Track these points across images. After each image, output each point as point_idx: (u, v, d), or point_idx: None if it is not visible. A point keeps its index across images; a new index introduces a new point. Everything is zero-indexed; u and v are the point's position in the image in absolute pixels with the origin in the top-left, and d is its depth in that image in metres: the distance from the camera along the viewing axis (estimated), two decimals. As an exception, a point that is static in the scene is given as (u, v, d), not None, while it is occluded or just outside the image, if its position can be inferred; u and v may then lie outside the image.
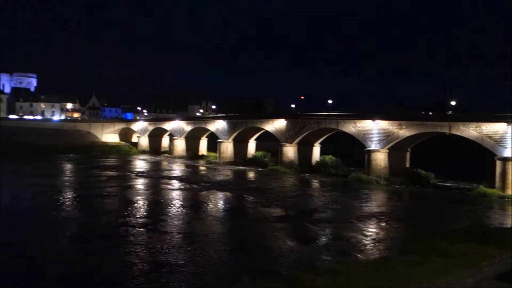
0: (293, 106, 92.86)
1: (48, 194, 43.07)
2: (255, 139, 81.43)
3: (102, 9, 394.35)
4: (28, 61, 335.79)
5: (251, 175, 64.16)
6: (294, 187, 52.17)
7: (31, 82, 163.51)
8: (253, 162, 73.73)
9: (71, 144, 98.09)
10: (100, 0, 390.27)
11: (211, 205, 39.78)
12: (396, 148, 56.76)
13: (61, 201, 39.61)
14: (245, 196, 44.39)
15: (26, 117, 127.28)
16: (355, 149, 67.20)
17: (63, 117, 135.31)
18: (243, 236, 28.37)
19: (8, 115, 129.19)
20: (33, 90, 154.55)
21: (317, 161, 67.65)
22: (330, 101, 78.97)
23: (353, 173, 58.91)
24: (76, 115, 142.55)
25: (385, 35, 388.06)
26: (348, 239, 27.87)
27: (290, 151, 67.63)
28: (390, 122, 56.30)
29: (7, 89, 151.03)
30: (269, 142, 79.28)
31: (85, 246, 25.42)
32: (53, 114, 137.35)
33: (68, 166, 72.27)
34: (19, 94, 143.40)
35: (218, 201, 42.58)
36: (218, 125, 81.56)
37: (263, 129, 74.78)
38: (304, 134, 66.24)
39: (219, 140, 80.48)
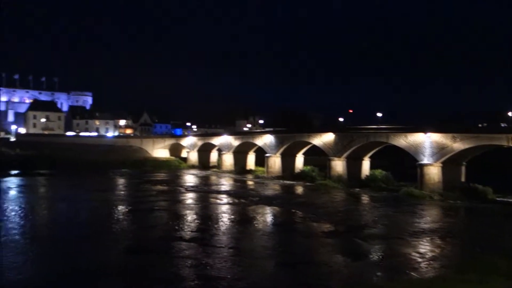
0: (341, 119, 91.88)
1: (102, 208, 44.65)
2: (303, 153, 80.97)
3: (153, 26, 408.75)
4: (83, 80, 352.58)
5: (299, 189, 63.74)
6: (343, 202, 51.30)
7: (87, 100, 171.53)
8: (301, 176, 73.27)
9: (124, 159, 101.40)
10: (151, 20, 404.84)
11: (259, 220, 39.78)
12: (450, 162, 54.68)
13: (115, 215, 40.93)
14: (294, 211, 44.08)
15: (82, 133, 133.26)
16: (406, 163, 65.37)
17: (116, 134, 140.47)
18: (293, 251, 28.11)
19: (66, 132, 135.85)
20: (89, 108, 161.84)
21: (366, 175, 66.30)
22: (379, 114, 77.59)
23: (405, 187, 57.21)
24: (128, 131, 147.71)
25: (435, 44, 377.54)
26: (400, 256, 26.99)
27: (338, 165, 66.73)
28: (443, 134, 54.42)
29: (65, 108, 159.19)
30: (317, 156, 78.56)
31: (139, 259, 26.06)
32: (107, 131, 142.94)
33: (121, 181, 74.65)
34: (75, 112, 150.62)
35: (266, 216, 42.54)
36: (265, 140, 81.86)
37: (310, 143, 74.30)
38: (352, 148, 65.22)
39: (266, 155, 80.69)
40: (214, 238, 31.54)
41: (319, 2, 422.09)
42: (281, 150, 78.27)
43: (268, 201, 50.66)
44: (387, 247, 29.33)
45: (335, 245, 30.39)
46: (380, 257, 27.45)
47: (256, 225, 37.19)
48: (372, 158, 69.86)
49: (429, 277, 21.76)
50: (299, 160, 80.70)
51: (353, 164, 66.85)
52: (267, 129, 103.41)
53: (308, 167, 74.87)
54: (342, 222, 38.08)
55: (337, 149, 67.27)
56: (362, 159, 68.17)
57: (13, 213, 40.10)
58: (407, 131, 58.35)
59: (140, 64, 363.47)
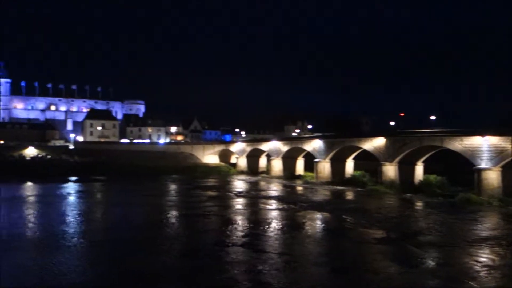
0: (392, 123, 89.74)
1: (155, 212, 45.86)
2: (353, 159, 79.61)
3: (200, 35, 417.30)
4: (136, 90, 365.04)
5: (349, 195, 62.69)
6: (396, 208, 49.91)
7: (140, 109, 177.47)
8: (351, 182, 72.07)
9: (175, 165, 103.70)
10: (200, 30, 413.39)
11: (309, 226, 39.44)
12: (510, 166, 51.96)
13: (167, 220, 41.93)
14: (344, 217, 43.35)
15: (135, 141, 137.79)
16: (459, 167, 62.80)
17: (168, 140, 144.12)
18: (344, 258, 27.65)
19: (120, 139, 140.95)
20: (142, 116, 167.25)
21: (420, 180, 64.20)
22: (432, 117, 75.11)
23: (461, 193, 54.88)
24: (179, 138, 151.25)
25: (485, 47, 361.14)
26: (458, 264, 25.88)
27: (390, 170, 65.08)
28: (502, 138, 51.80)
29: (119, 116, 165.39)
30: (367, 161, 77.01)
31: (192, 263, 26.52)
32: (159, 138, 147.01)
33: (172, 187, 76.36)
34: (129, 120, 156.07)
35: (316, 222, 42.11)
36: (314, 145, 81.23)
37: (361, 148, 72.98)
38: (405, 153, 63.42)
39: (315, 160, 80.00)
40: (265, 243, 31.56)
41: (365, 7, 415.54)
42: (331, 155, 77.36)
43: (318, 206, 50.15)
44: (444, 255, 28.22)
45: (387, 252, 29.58)
46: (436, 265, 26.44)
47: (306, 231, 36.89)
48: (425, 163, 67.56)
49: (489, 287, 20.71)
50: (349, 165, 79.40)
51: (406, 169, 64.92)
52: (316, 134, 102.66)
53: (359, 172, 73.56)
54: (395, 229, 37.03)
55: (388, 154, 65.67)
56: (415, 164, 66.09)
57: (72, 218, 42.02)
58: (463, 134, 56.02)
59: (190, 72, 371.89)
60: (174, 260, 27.58)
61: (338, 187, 70.26)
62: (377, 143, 68.04)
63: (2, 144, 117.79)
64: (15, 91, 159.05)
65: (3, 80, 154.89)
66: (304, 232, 36.31)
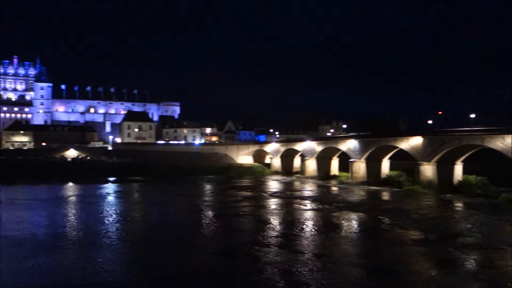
0: (429, 122, 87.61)
1: (191, 212, 46.52)
2: (389, 158, 78.19)
3: (237, 40, 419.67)
4: (172, 91, 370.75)
5: (385, 195, 61.62)
6: (434, 209, 48.69)
7: (175, 110, 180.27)
8: (387, 182, 70.83)
9: (210, 166, 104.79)
10: (234, 31, 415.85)
11: (344, 226, 39.03)
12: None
13: (203, 219, 42.44)
14: (381, 217, 42.66)
15: (171, 142, 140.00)
16: (500, 167, 60.62)
17: (202, 141, 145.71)
18: (380, 259, 27.23)
19: (157, 140, 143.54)
20: (177, 117, 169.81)
21: (459, 180, 62.37)
22: (472, 115, 72.85)
23: (504, 194, 52.95)
24: (214, 139, 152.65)
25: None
26: (500, 267, 25.04)
27: (428, 170, 63.55)
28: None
29: (155, 117, 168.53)
30: (404, 161, 75.43)
31: (227, 262, 26.81)
32: (194, 139, 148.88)
33: (208, 187, 77.16)
34: (165, 121, 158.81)
35: (351, 222, 41.62)
36: (349, 145, 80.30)
37: (397, 147, 71.59)
38: (443, 152, 61.77)
39: (350, 160, 79.09)
40: (299, 243, 31.48)
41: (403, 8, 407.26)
42: (366, 155, 76.27)
43: (353, 207, 49.59)
44: (485, 258, 27.34)
45: (425, 253, 28.92)
46: (477, 268, 25.67)
47: (342, 231, 36.54)
48: (464, 162, 65.56)
49: (534, 291, 19.96)
50: (385, 165, 78.02)
51: (444, 168, 63.20)
52: (350, 134, 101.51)
53: (395, 172, 72.22)
54: (434, 230, 36.13)
55: (426, 153, 64.16)
56: (454, 163, 64.24)
57: (111, 218, 43.18)
58: (505, 132, 54.02)
59: (224, 74, 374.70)
60: (211, 259, 27.88)
61: (374, 187, 69.21)
62: (414, 142, 66.59)
63: (44, 146, 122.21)
64: (56, 94, 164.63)
65: (45, 84, 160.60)
66: (340, 232, 35.98)
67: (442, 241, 32.20)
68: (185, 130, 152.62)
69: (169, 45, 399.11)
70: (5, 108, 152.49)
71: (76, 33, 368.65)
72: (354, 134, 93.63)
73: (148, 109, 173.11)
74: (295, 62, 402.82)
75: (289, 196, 61.03)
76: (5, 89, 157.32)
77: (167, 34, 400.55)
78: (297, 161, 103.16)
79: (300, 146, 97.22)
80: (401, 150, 70.26)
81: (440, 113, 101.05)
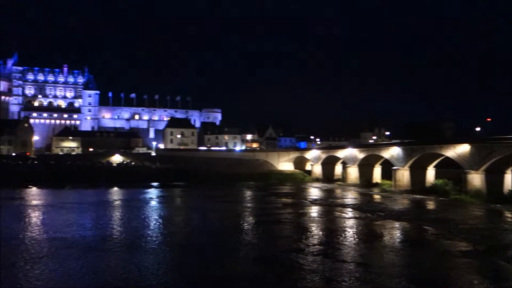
0: (478, 129, 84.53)
1: (231, 218, 46.86)
2: (434, 166, 75.93)
3: (279, 43, 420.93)
4: (213, 98, 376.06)
5: (430, 204, 59.84)
6: (483, 219, 46.80)
7: (217, 117, 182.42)
8: (433, 190, 68.77)
9: (251, 172, 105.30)
10: (277, 41, 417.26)
11: (387, 236, 38.19)
12: None
13: (243, 225, 42.68)
14: (425, 227, 41.44)
15: (212, 148, 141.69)
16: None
17: (243, 148, 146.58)
18: (425, 271, 26.43)
19: (198, 146, 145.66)
20: (218, 124, 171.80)
21: (509, 190, 59.66)
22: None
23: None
24: (254, 145, 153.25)
25: None
26: (556, 282, 23.75)
27: (475, 178, 61.21)
28: None
29: (197, 124, 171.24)
30: (450, 169, 73.02)
31: (267, 269, 26.79)
32: (235, 145, 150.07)
33: (248, 193, 77.53)
34: (207, 127, 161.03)
35: (395, 232, 40.67)
36: (392, 152, 78.64)
37: (442, 155, 69.46)
38: (492, 160, 59.37)
39: (394, 168, 77.38)
40: (341, 252, 31.06)
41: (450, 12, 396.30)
42: (410, 162, 74.41)
43: (397, 216, 48.44)
44: (538, 272, 26.03)
45: (473, 266, 27.84)
46: (530, 282, 24.47)
47: (384, 240, 35.78)
48: None
49: None
50: (430, 173, 75.81)
51: (493, 177, 60.66)
52: (394, 141, 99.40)
53: (441, 181, 70.03)
54: (482, 241, 34.69)
55: (473, 162, 61.88)
56: (504, 172, 61.62)
57: (154, 222, 44.21)
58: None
59: (264, 81, 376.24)
60: (251, 266, 27.97)
61: (418, 196, 67.37)
62: (460, 150, 64.42)
63: (91, 151, 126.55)
64: (103, 102, 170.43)
65: (92, 92, 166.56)
66: (383, 242, 35.24)
67: (492, 253, 30.88)
68: (226, 137, 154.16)
69: (213, 53, 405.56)
70: (55, 115, 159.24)
71: (124, 43, 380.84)
72: (398, 141, 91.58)
73: (190, 116, 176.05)
74: (336, 67, 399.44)
75: (330, 204, 60.38)
76: (55, 97, 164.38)
77: (211, 42, 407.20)
78: (338, 168, 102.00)
79: (341, 153, 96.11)
80: (447, 158, 68.13)
81: (488, 120, 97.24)
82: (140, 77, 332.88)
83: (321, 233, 38.94)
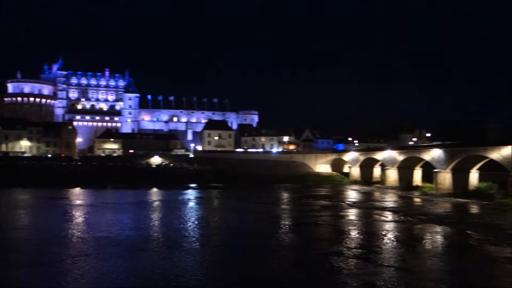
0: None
1: (269, 220, 47.00)
2: (478, 169, 73.42)
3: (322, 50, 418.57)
4: (250, 100, 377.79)
5: (474, 208, 57.95)
6: (530, 225, 44.95)
7: (254, 119, 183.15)
8: (476, 194, 66.47)
9: (288, 174, 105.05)
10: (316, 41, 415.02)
11: (428, 240, 37.29)
12: None
13: (280, 227, 42.67)
14: (468, 232, 40.20)
15: (249, 150, 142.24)
16: None
17: (280, 149, 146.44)
18: (468, 277, 25.74)
19: (235, 148, 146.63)
20: (255, 126, 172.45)
21: (560, 194, 57.09)
22: None
23: None
24: (291, 147, 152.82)
25: None
26: None
27: (522, 182, 58.79)
28: None
29: (234, 126, 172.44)
30: (495, 172, 70.41)
31: (305, 272, 26.76)
32: (272, 147, 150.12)
33: (285, 195, 77.40)
34: (244, 129, 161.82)
35: (435, 236, 39.63)
36: (433, 154, 76.63)
37: (487, 157, 67.12)
38: (540, 163, 56.95)
39: (435, 170, 75.39)
40: (379, 256, 30.60)
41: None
42: (452, 165, 72.28)
43: (438, 220, 47.19)
44: None
45: (521, 273, 26.82)
46: None
47: (424, 245, 34.97)
48: None
49: None
50: (474, 176, 73.35)
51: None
52: (435, 143, 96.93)
53: (485, 184, 67.66)
54: (530, 248, 33.39)
55: (520, 164, 59.45)
56: (553, 176, 58.94)
57: (192, 222, 44.91)
58: None
59: (301, 83, 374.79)
60: (291, 268, 27.99)
61: (461, 200, 65.34)
62: (506, 152, 62.03)
63: (132, 152, 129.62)
64: (143, 104, 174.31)
65: (132, 95, 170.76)
66: (422, 246, 34.46)
67: (540, 260, 29.66)
68: (263, 139, 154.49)
69: (250, 57, 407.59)
70: (97, 117, 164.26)
71: (164, 48, 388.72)
72: (439, 143, 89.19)
73: (228, 118, 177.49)
74: (375, 69, 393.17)
75: (368, 207, 59.51)
76: (97, 100, 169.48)
77: (248, 47, 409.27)
78: (377, 171, 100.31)
79: (380, 155, 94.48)
80: (492, 160, 65.81)
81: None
82: (177, 80, 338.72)
83: (360, 236, 38.46)
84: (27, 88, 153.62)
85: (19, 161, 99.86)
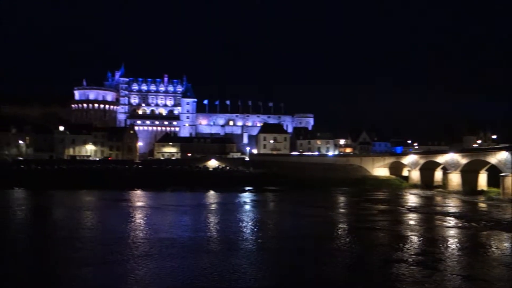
0: None
1: (324, 224, 46.65)
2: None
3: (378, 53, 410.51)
4: (306, 103, 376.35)
5: (546, 215, 54.43)
6: None
7: (309, 122, 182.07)
8: (548, 200, 62.47)
9: (344, 177, 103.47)
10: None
11: (494, 247, 35.46)
12: None
13: (335, 231, 42.22)
14: (540, 240, 37.86)
15: (305, 153, 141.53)
16: None
17: (336, 152, 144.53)
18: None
19: (291, 151, 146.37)
20: (311, 129, 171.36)
21: None
22: None
23: None
24: (348, 150, 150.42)
25: None
26: None
27: None
28: None
29: (290, 129, 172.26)
30: None
31: (360, 278, 26.38)
32: (327, 150, 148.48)
33: (341, 199, 76.32)
34: (299, 132, 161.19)
35: (503, 243, 37.62)
36: (500, 157, 72.78)
37: (560, 160, 62.89)
38: None
39: (502, 174, 71.54)
40: (443, 263, 29.50)
41: None
42: (521, 168, 68.31)
43: (506, 226, 44.79)
44: None
45: None
46: None
47: (492, 253, 33.32)
48: None
49: None
50: (545, 181, 68.95)
51: None
52: (502, 145, 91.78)
53: (558, 189, 63.41)
54: None
55: None
56: None
57: (247, 225, 45.43)
58: None
59: (356, 84, 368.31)
60: (348, 273, 27.65)
61: (531, 205, 61.59)
62: None
63: (189, 156, 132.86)
64: (200, 109, 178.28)
65: (190, 100, 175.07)
66: (488, 254, 32.84)
67: None
68: (318, 142, 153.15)
69: (300, 60, 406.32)
70: (157, 122, 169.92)
71: (224, 55, 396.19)
72: (506, 145, 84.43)
73: (283, 121, 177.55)
74: (434, 69, 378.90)
75: (429, 212, 57.46)
76: (157, 105, 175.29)
77: (300, 53, 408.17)
78: (438, 174, 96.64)
79: (441, 158, 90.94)
80: None
81: None
82: (233, 84, 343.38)
83: (421, 242, 37.27)
84: (92, 94, 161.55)
85: (85, 164, 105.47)
